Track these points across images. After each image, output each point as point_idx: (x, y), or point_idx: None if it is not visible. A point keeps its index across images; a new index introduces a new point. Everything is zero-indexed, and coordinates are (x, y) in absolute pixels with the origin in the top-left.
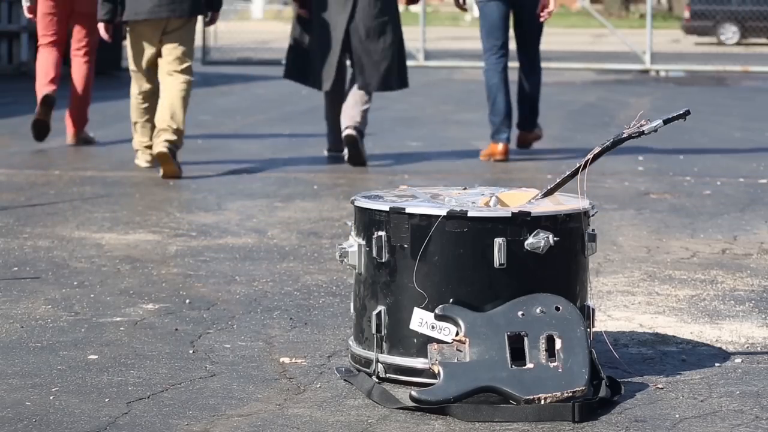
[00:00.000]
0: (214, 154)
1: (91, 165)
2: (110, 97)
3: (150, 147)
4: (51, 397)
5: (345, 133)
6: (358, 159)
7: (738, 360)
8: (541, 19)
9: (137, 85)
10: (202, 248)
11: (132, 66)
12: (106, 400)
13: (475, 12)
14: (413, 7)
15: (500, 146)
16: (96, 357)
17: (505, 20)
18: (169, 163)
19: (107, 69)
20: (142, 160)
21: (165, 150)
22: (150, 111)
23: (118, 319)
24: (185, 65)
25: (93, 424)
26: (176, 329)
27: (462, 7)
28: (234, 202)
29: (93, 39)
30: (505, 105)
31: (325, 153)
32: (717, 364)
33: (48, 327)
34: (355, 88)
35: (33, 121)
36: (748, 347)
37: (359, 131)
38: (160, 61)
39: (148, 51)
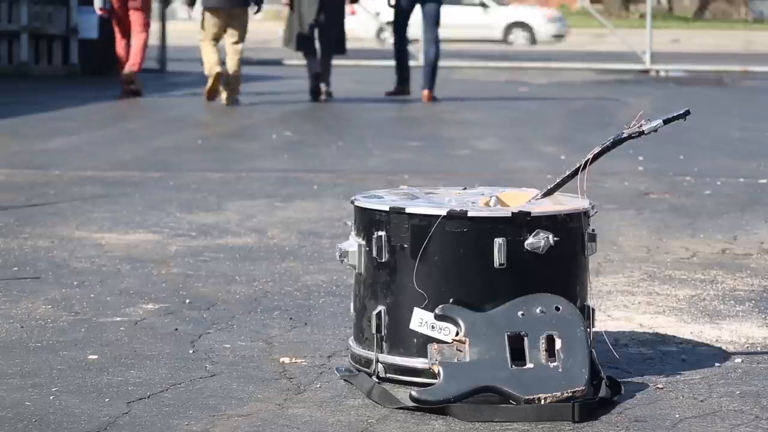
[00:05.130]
0: (214, 154)
1: (91, 165)
2: (110, 98)
3: (218, 67)
4: (51, 397)
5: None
6: (315, 94)
7: (738, 360)
8: None
9: (203, 46)
10: (202, 248)
11: (204, 35)
12: (106, 400)
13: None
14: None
15: (407, 88)
16: (96, 357)
17: (410, 12)
18: (231, 93)
19: (107, 70)
20: (210, 77)
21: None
22: (215, 48)
23: (118, 319)
24: (239, 40)
25: (93, 424)
26: (176, 329)
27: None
28: (234, 202)
29: (147, 21)
30: (407, 64)
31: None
32: (717, 364)
33: (48, 327)
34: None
35: (123, 92)
36: (748, 347)
37: (325, 81)
38: (225, 35)
39: (215, 28)
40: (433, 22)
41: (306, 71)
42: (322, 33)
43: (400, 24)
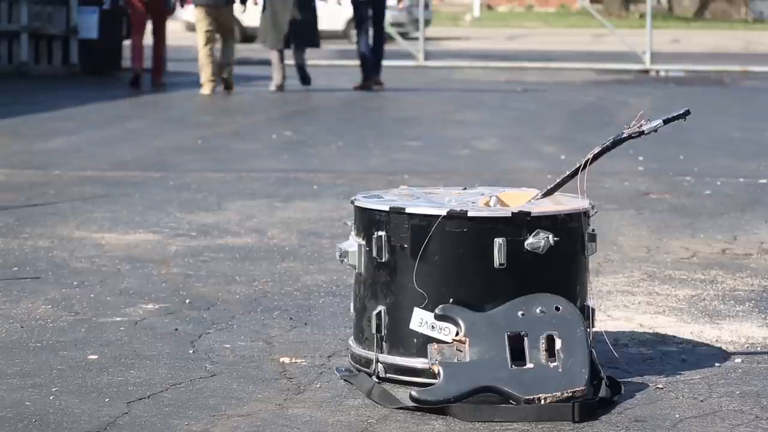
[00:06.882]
0: (214, 154)
1: (91, 165)
2: (110, 98)
3: (212, 81)
4: (51, 397)
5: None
6: (306, 80)
7: (738, 360)
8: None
9: (203, 41)
10: (202, 248)
11: (201, 29)
12: (106, 400)
13: (476, 12)
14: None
15: (371, 80)
16: (96, 357)
17: (367, 12)
18: (230, 83)
19: (107, 70)
20: (206, 89)
21: (227, 75)
22: (212, 56)
23: (118, 319)
24: (230, 32)
25: (93, 424)
26: (176, 329)
27: None
28: (234, 202)
29: (165, 22)
30: (370, 59)
31: (272, 88)
32: (717, 364)
33: (48, 327)
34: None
35: (131, 80)
36: (748, 347)
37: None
38: (218, 29)
39: (209, 21)
40: (380, 17)
41: (293, 64)
42: (295, 29)
43: (361, 21)
